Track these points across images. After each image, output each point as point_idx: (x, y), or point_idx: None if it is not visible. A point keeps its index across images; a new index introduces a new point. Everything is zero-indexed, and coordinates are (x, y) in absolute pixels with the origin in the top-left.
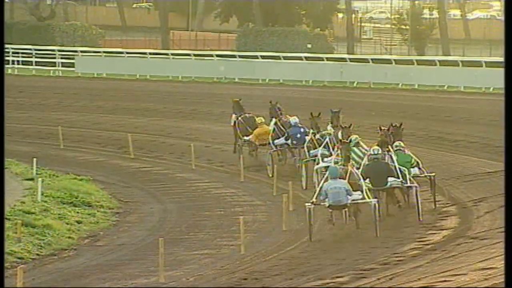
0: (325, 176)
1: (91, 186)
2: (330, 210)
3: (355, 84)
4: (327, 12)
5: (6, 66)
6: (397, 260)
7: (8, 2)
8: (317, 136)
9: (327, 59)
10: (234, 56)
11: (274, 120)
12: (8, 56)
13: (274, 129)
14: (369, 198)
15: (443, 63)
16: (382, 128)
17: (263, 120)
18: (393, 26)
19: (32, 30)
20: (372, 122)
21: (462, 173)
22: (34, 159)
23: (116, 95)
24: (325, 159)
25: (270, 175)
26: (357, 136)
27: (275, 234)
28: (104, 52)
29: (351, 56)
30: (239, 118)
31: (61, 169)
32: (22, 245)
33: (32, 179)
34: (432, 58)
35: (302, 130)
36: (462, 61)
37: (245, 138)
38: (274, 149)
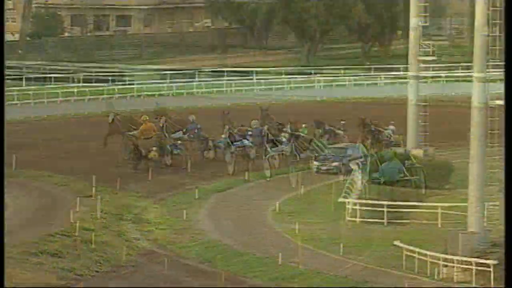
0: (371, 160)
1: (150, 204)
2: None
3: None
4: (387, 29)
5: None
6: None
7: None
8: (235, 130)
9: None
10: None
11: (163, 118)
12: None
13: (165, 125)
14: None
15: None
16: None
17: (147, 118)
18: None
19: None
20: None
21: None
22: (94, 176)
23: None
24: (273, 148)
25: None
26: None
27: None
28: None
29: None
30: (117, 116)
31: (120, 186)
32: (81, 262)
33: (91, 196)
34: None
35: (199, 126)
36: None
37: (129, 133)
38: (173, 143)
